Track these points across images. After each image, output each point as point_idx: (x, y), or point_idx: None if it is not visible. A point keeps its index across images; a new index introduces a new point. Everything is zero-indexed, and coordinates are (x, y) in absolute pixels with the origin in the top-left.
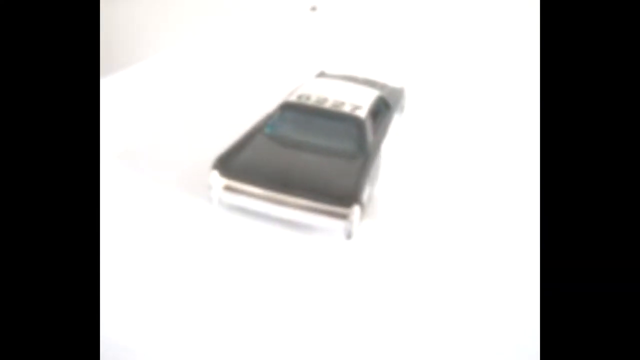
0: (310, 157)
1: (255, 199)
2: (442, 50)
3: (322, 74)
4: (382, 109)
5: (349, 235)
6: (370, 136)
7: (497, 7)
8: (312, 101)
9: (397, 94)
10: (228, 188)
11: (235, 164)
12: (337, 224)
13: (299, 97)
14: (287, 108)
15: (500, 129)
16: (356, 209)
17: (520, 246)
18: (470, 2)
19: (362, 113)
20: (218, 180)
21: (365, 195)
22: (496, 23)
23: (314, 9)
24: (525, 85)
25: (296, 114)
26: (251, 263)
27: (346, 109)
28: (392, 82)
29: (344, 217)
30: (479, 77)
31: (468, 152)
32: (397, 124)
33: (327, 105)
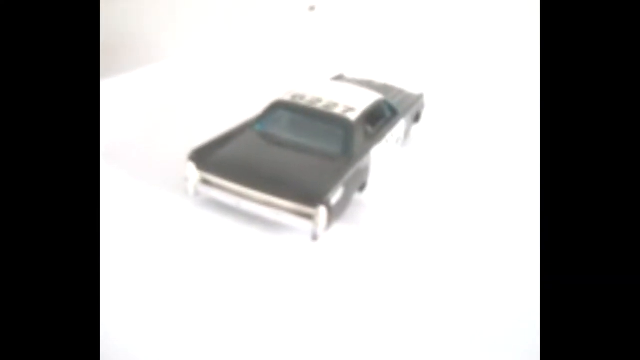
0: (291, 155)
1: (228, 193)
2: (442, 48)
3: (340, 77)
4: (385, 114)
5: (314, 237)
6: (358, 139)
7: (496, 7)
8: (305, 101)
9: (412, 100)
10: (204, 180)
11: (213, 157)
12: (303, 224)
13: (293, 96)
14: (278, 106)
15: (507, 143)
16: (322, 209)
17: (512, 264)
18: (469, 4)
19: (353, 116)
20: (194, 173)
21: (336, 197)
22: (495, 22)
23: (312, 8)
24: (528, 90)
25: (286, 112)
26: (211, 261)
27: (337, 110)
28: (411, 89)
29: (309, 217)
30: (481, 80)
31: (473, 166)
32: (404, 129)
33: (319, 105)
